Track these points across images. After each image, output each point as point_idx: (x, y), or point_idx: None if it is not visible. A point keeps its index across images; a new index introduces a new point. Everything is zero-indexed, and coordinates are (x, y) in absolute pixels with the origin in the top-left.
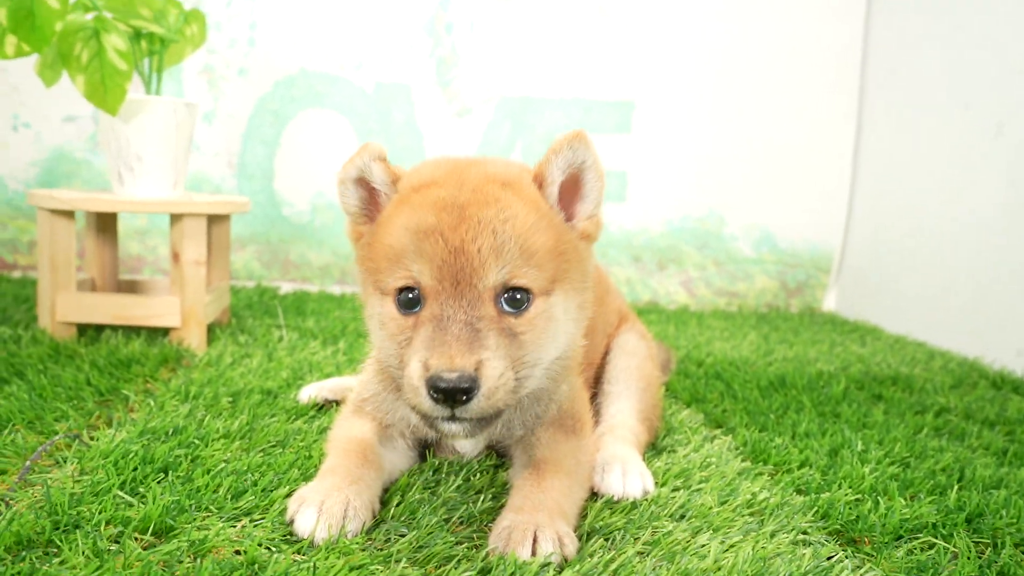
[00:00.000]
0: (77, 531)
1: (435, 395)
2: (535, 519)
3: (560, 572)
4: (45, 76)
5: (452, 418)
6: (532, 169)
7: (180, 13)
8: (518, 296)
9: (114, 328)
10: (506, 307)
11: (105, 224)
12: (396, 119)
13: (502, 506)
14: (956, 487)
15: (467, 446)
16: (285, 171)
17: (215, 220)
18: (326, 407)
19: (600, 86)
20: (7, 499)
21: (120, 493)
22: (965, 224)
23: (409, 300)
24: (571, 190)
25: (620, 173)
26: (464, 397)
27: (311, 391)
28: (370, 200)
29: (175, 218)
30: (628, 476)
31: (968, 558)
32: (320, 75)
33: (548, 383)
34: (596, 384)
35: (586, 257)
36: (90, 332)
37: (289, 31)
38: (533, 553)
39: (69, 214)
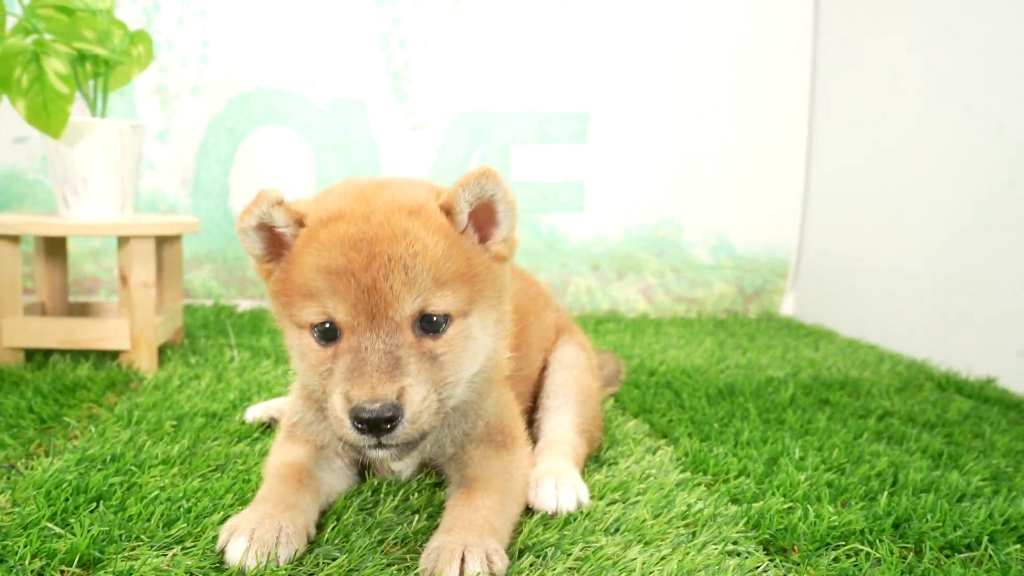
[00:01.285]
0: (0, 565)
1: (359, 426)
2: (464, 538)
3: None
4: None
5: (379, 445)
6: (441, 191)
7: (125, 34)
8: (434, 319)
9: (63, 352)
10: (423, 332)
11: (54, 247)
12: (352, 135)
13: (437, 525)
14: (887, 492)
15: (401, 466)
16: (241, 188)
17: (166, 241)
18: (272, 427)
19: (555, 98)
20: None
21: (49, 525)
22: (918, 227)
23: (326, 331)
24: (484, 215)
25: (577, 183)
26: (388, 426)
27: (256, 412)
28: (273, 240)
29: (122, 240)
30: (561, 489)
31: (891, 564)
32: (275, 92)
33: (472, 396)
34: (534, 400)
35: (500, 275)
36: (38, 357)
37: (242, 48)
38: (461, 573)
39: (14, 238)
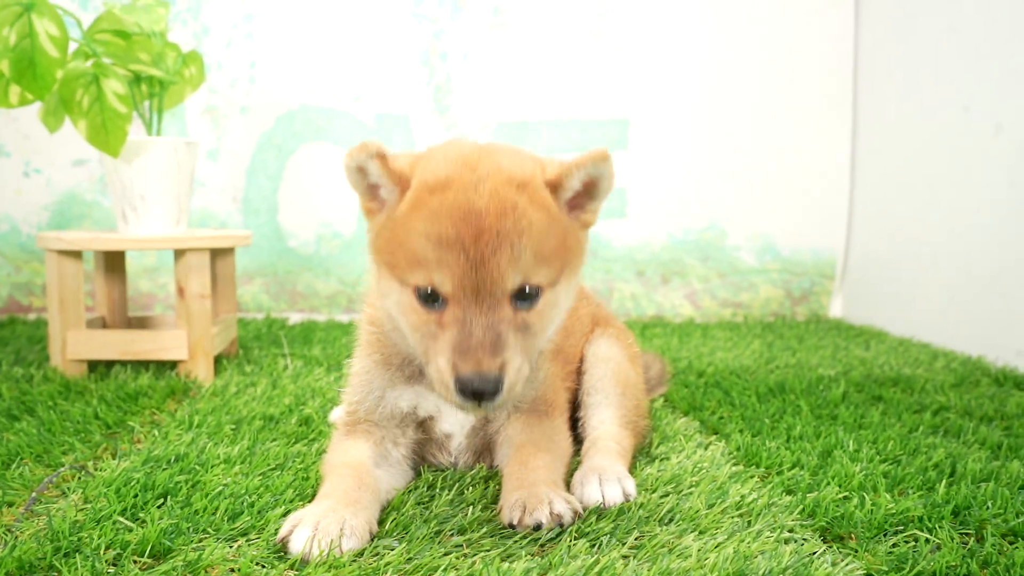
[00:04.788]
0: (77, 555)
1: (463, 392)
2: (539, 490)
3: (544, 574)
4: (48, 123)
5: (477, 407)
6: (545, 164)
7: (178, 56)
8: (529, 292)
9: (124, 364)
10: (519, 304)
11: (113, 263)
12: (396, 148)
13: (492, 516)
14: (946, 482)
15: (455, 428)
16: (289, 204)
17: (219, 254)
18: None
19: (595, 105)
20: (12, 529)
21: (120, 519)
22: (967, 222)
23: (428, 296)
24: (584, 190)
25: (620, 190)
26: (491, 395)
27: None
28: (373, 187)
29: (179, 253)
30: (606, 484)
31: (951, 550)
32: (320, 109)
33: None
34: (575, 380)
35: (584, 241)
36: (100, 368)
37: (288, 68)
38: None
39: (76, 254)
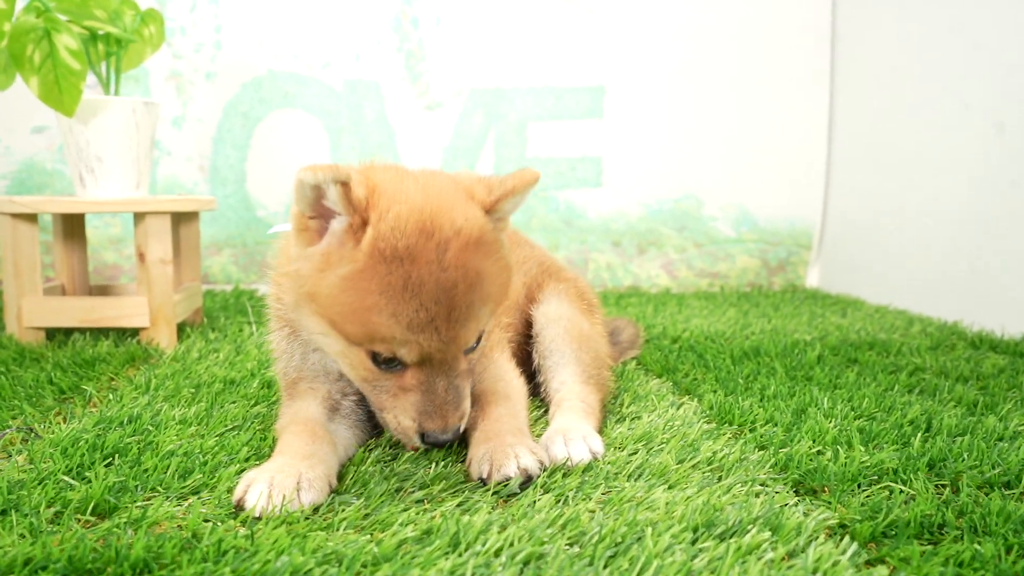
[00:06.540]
0: (15, 512)
1: (429, 445)
2: (505, 441)
3: (504, 529)
4: None
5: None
6: (471, 187)
7: (136, 14)
8: (479, 340)
9: (83, 331)
10: (469, 352)
11: (72, 229)
12: (367, 116)
13: (456, 471)
14: (921, 436)
15: None
16: (257, 173)
17: (183, 220)
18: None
19: (570, 72)
20: None
21: (65, 477)
22: (942, 191)
23: (388, 360)
24: None
25: (595, 159)
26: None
27: None
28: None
29: (138, 217)
30: (571, 444)
31: (926, 500)
32: (288, 75)
33: None
34: (514, 316)
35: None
36: (59, 336)
37: (255, 33)
38: (518, 469)
39: (31, 218)
